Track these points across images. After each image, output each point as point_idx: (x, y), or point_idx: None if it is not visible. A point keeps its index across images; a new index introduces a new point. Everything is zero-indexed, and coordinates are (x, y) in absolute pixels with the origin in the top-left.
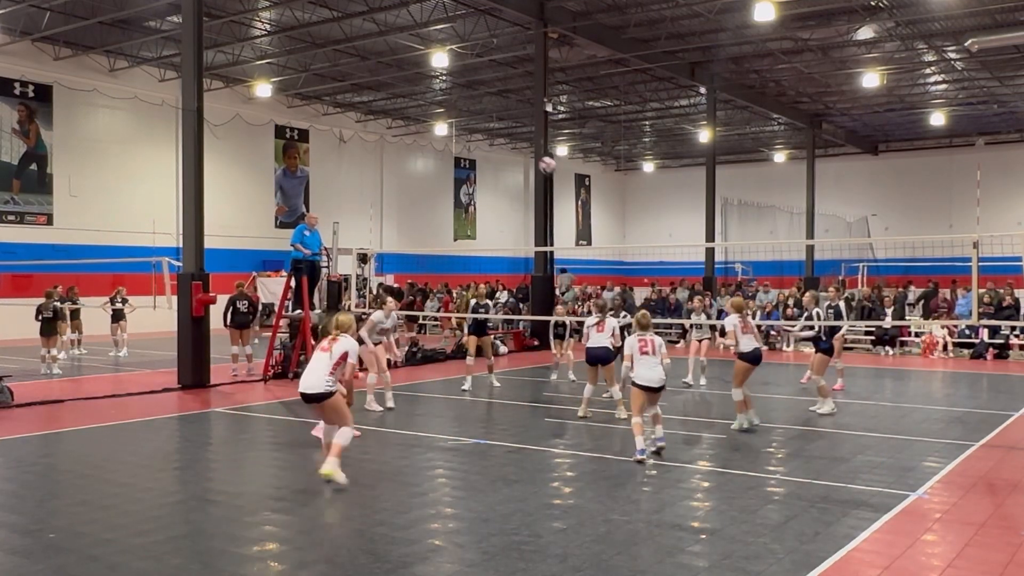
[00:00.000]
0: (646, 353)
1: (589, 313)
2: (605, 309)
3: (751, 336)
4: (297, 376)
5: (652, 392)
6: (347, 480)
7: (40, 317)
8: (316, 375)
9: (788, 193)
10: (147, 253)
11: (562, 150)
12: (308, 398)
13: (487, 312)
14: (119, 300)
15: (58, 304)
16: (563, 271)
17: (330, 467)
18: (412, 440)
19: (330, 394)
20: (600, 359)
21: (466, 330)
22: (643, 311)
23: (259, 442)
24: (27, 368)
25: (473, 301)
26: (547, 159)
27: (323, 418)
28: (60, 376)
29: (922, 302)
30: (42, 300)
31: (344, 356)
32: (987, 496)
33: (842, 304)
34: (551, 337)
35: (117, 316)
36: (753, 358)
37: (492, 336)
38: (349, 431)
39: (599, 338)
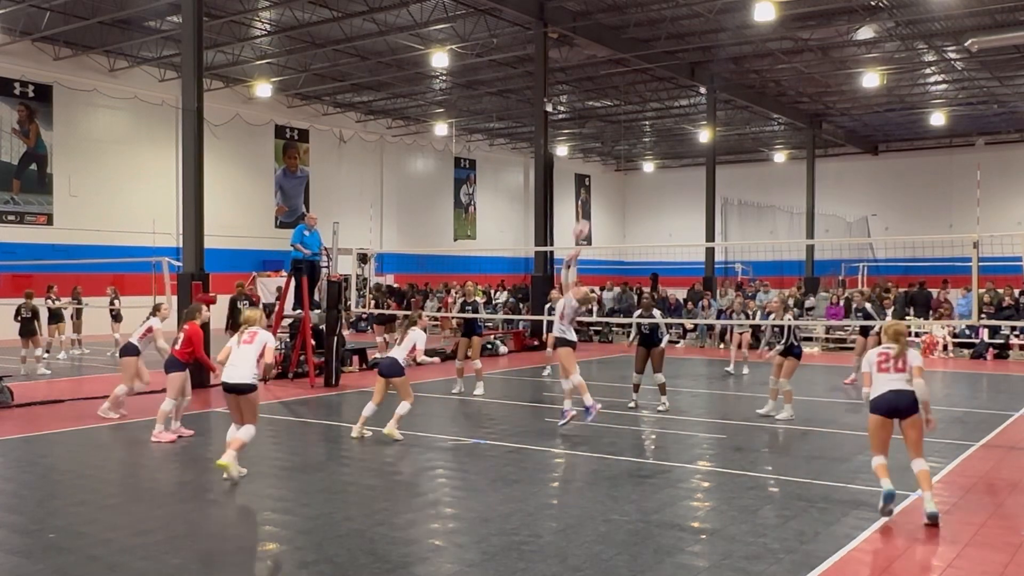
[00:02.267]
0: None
1: (589, 312)
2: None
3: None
4: (297, 376)
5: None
6: (240, 475)
7: (19, 318)
8: (243, 367)
9: (788, 193)
10: (147, 253)
11: (562, 150)
12: (233, 388)
13: (476, 311)
14: (115, 300)
15: (36, 304)
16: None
17: (227, 459)
18: (412, 440)
19: (254, 387)
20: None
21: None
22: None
23: (259, 442)
24: (27, 368)
25: (460, 300)
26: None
27: (239, 413)
28: (48, 376)
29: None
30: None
31: (263, 350)
32: (987, 496)
33: (869, 305)
34: (544, 331)
35: (115, 316)
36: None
37: (491, 336)
38: (253, 429)
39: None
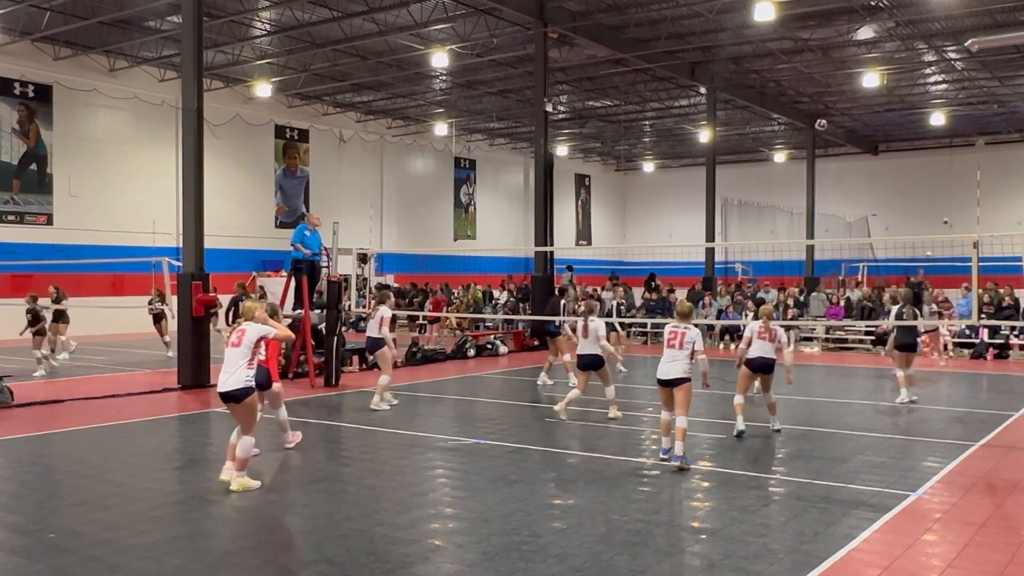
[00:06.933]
0: (672, 346)
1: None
2: (594, 311)
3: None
4: (297, 376)
5: (668, 387)
6: (258, 484)
7: (29, 318)
8: (233, 373)
9: (788, 193)
10: (147, 253)
11: (562, 150)
12: (224, 397)
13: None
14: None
15: (41, 306)
16: (568, 269)
17: (233, 480)
18: (412, 440)
19: (247, 392)
20: (590, 365)
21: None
22: (682, 300)
23: (258, 442)
24: (27, 368)
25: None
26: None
27: (236, 419)
28: (44, 377)
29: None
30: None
31: (258, 342)
32: (987, 496)
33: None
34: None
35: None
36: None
37: (491, 336)
38: (250, 441)
39: (586, 344)
